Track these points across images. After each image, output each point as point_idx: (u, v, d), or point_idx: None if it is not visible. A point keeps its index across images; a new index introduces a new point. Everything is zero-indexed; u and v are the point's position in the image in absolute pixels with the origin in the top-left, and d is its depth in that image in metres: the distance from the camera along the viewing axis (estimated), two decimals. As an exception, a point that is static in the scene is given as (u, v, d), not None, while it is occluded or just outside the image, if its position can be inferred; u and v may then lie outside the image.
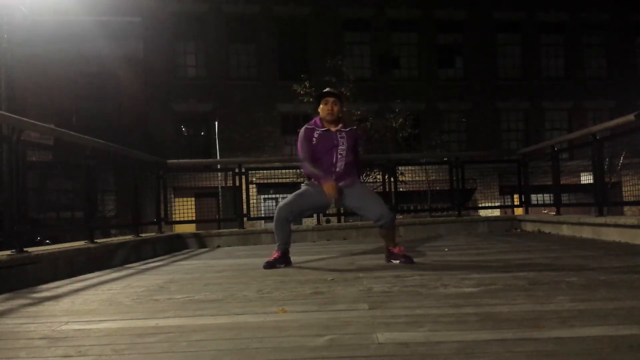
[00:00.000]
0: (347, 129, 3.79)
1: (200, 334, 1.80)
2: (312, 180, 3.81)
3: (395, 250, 3.73)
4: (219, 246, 6.39)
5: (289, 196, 3.82)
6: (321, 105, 3.76)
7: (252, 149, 17.13)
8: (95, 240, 4.54)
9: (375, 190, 4.59)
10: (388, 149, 12.71)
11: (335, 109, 3.72)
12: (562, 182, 6.67)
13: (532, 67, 19.02)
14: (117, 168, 6.12)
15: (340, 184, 3.70)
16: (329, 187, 3.63)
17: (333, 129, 3.75)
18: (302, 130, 3.82)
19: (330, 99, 3.72)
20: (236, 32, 17.75)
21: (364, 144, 4.10)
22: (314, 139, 3.74)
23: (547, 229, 6.36)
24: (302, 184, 4.01)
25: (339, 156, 3.70)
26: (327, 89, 3.82)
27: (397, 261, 3.65)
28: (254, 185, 9.66)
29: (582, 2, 18.87)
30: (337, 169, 3.71)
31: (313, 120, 3.85)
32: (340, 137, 3.72)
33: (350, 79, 13.19)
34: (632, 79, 18.75)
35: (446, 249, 4.64)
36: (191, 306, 2.34)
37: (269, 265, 3.66)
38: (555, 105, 18.95)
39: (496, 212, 9.90)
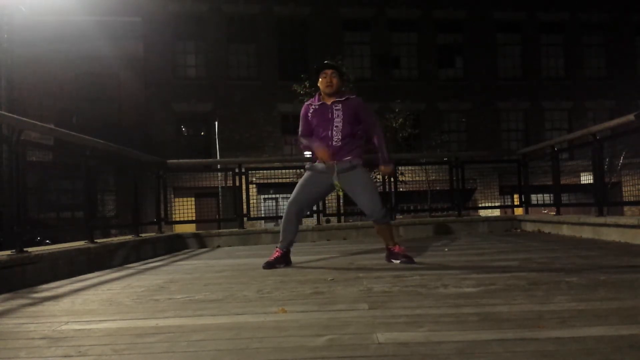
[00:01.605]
0: (344, 99, 3.68)
1: (200, 334, 1.80)
2: (312, 162, 3.77)
3: (396, 249, 3.69)
4: (219, 246, 6.39)
5: (295, 190, 3.75)
6: (320, 79, 3.69)
7: (252, 149, 17.13)
8: (95, 240, 4.54)
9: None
10: (388, 149, 12.71)
11: (335, 81, 3.64)
12: (562, 182, 6.67)
13: (532, 67, 19.02)
14: (117, 168, 6.12)
15: (339, 163, 3.59)
16: (321, 152, 3.57)
17: (329, 102, 3.68)
18: (302, 108, 3.83)
19: (329, 71, 3.65)
20: (236, 32, 17.76)
21: (369, 113, 3.95)
22: (309, 114, 3.72)
23: (547, 229, 6.35)
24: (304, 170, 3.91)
25: (335, 128, 3.62)
26: (325, 62, 3.77)
27: (398, 261, 3.61)
28: (254, 185, 9.66)
29: (582, 2, 18.87)
30: (334, 143, 3.61)
31: (313, 98, 3.83)
32: (336, 109, 3.64)
33: (350, 79, 13.19)
34: (632, 79, 18.75)
35: (446, 249, 4.63)
36: (191, 306, 2.34)
37: (269, 265, 3.64)
38: (555, 105, 18.96)
39: (496, 212, 9.91)
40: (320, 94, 3.75)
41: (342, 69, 3.90)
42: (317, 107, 3.71)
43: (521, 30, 19.06)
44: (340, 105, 3.66)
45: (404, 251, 3.69)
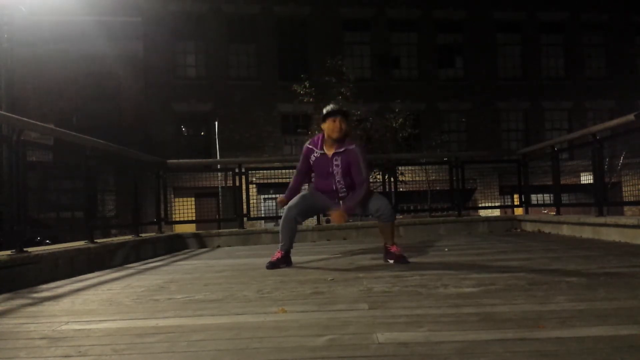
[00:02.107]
0: (343, 150, 3.74)
1: (200, 334, 1.80)
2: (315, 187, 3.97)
3: (392, 249, 3.75)
4: (219, 246, 6.39)
5: (296, 197, 3.89)
6: (327, 123, 3.73)
7: (252, 149, 17.13)
8: (95, 240, 4.54)
9: (375, 190, 4.62)
10: (388, 149, 12.72)
11: (343, 127, 3.72)
12: (562, 182, 6.67)
13: (532, 67, 19.02)
14: (117, 168, 6.11)
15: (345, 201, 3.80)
16: (338, 216, 3.64)
17: (329, 152, 3.76)
18: (304, 147, 3.93)
19: (338, 117, 3.72)
20: (236, 32, 17.75)
21: (365, 163, 3.97)
22: (311, 160, 3.86)
23: (547, 229, 6.36)
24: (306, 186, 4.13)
25: (339, 184, 3.79)
26: (333, 107, 3.81)
27: (392, 261, 3.68)
28: (254, 185, 9.65)
29: (582, 2, 18.87)
30: (340, 194, 3.83)
31: (315, 138, 3.88)
32: (335, 165, 3.75)
33: (350, 79, 13.20)
34: (632, 79, 18.75)
35: (446, 249, 4.64)
36: (191, 306, 2.34)
37: (272, 265, 3.68)
38: (555, 105, 18.95)
39: (496, 212, 9.90)
40: (323, 137, 3.81)
41: (348, 113, 4.01)
42: (318, 155, 3.81)
43: (521, 30, 19.06)
44: (339, 158, 3.75)
45: (400, 251, 3.76)
